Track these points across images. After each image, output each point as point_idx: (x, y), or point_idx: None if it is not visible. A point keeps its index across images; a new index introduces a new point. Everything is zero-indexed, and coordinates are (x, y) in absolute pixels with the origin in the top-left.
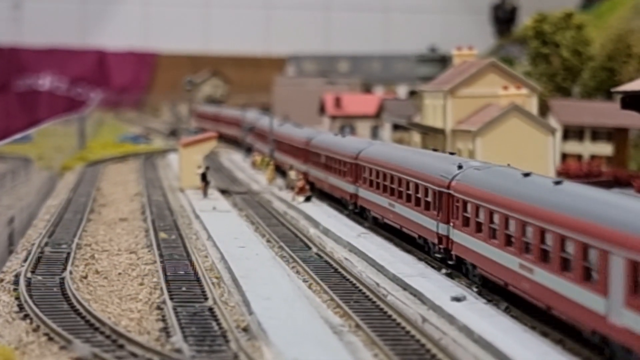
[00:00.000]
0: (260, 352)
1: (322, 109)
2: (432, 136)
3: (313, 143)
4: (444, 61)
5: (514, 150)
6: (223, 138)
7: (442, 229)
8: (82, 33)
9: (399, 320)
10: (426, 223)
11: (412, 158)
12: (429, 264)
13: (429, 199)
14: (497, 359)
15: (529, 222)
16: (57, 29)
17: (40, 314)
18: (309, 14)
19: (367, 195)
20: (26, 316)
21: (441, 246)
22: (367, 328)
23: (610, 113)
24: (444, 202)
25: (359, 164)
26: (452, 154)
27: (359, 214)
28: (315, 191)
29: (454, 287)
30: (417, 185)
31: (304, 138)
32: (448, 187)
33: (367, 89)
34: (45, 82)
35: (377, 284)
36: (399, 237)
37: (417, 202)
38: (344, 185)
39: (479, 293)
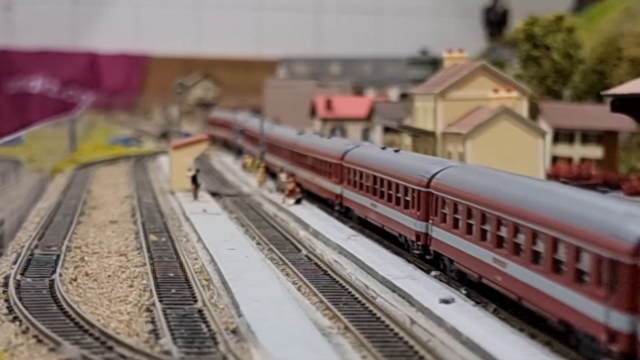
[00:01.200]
0: (249, 354)
1: (313, 112)
2: (423, 139)
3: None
4: (435, 64)
5: (504, 153)
6: (241, 152)
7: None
8: (73, 35)
9: (387, 322)
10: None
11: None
12: (417, 267)
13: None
14: None
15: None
16: (49, 31)
17: (30, 316)
18: (301, 17)
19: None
20: (15, 318)
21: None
22: (356, 330)
23: (600, 116)
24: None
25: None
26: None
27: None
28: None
29: (443, 290)
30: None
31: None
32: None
33: (358, 91)
34: (37, 84)
35: (366, 286)
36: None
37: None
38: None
39: (468, 295)
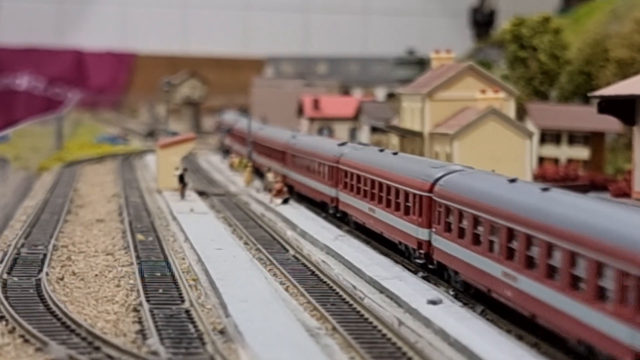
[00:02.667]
0: (236, 355)
1: (300, 111)
2: (410, 139)
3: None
4: (422, 64)
5: (491, 154)
6: (228, 152)
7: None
8: (60, 33)
9: (375, 323)
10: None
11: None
12: (405, 267)
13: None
14: None
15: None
16: (35, 29)
17: (16, 316)
18: (288, 16)
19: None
20: (2, 318)
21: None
22: (344, 331)
23: (587, 117)
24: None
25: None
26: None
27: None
28: (293, 194)
29: (430, 290)
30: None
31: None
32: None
33: (345, 91)
34: (23, 82)
35: (354, 287)
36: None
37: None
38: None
39: (455, 296)
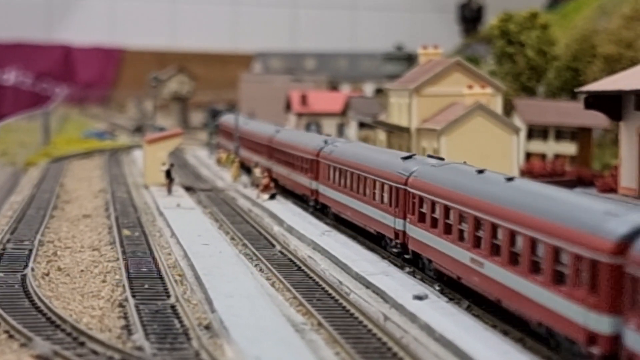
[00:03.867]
0: (222, 350)
1: (288, 106)
2: (398, 134)
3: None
4: (410, 59)
5: (479, 149)
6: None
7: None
8: (47, 28)
9: (361, 318)
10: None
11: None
12: (391, 263)
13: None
14: (458, 357)
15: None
16: (23, 24)
17: (1, 311)
18: (276, 11)
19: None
20: None
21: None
22: (329, 326)
23: (574, 113)
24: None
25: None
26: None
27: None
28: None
29: (416, 286)
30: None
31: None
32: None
33: (333, 86)
34: (10, 77)
35: (340, 282)
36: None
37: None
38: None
39: (441, 292)
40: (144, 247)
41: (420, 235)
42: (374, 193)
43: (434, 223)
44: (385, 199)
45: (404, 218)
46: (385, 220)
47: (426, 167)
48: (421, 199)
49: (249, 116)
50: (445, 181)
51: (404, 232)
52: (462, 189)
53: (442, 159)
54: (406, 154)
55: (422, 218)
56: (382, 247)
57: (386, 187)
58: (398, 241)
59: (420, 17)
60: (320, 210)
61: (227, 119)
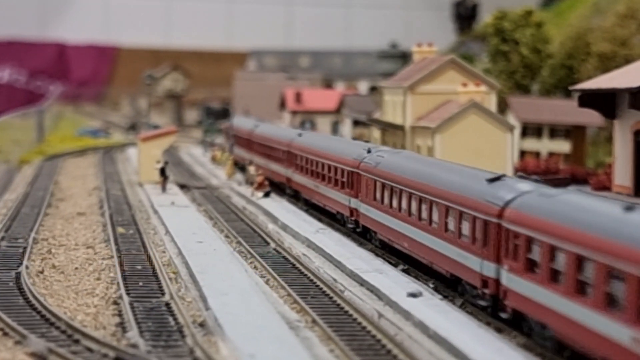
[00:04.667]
0: (216, 348)
1: (282, 104)
2: (392, 132)
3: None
4: (404, 57)
5: (473, 147)
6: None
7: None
8: (41, 25)
9: (355, 315)
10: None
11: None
12: (385, 260)
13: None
14: (452, 354)
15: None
16: (16, 21)
17: None
18: (271, 9)
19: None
20: None
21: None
22: (324, 323)
23: (568, 111)
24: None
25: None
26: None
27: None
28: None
29: (410, 283)
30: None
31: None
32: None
33: (327, 84)
34: (4, 74)
35: (335, 280)
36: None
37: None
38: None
39: (435, 289)
40: (138, 244)
41: (526, 288)
42: (446, 223)
43: (552, 274)
44: (466, 233)
45: (498, 262)
46: (467, 262)
47: (532, 196)
48: (528, 240)
49: (243, 114)
50: (571, 221)
51: (497, 281)
52: (603, 231)
53: (545, 183)
54: (492, 175)
55: (529, 265)
56: (460, 294)
57: (467, 218)
58: (487, 291)
59: (415, 15)
60: (362, 234)
61: (239, 121)
